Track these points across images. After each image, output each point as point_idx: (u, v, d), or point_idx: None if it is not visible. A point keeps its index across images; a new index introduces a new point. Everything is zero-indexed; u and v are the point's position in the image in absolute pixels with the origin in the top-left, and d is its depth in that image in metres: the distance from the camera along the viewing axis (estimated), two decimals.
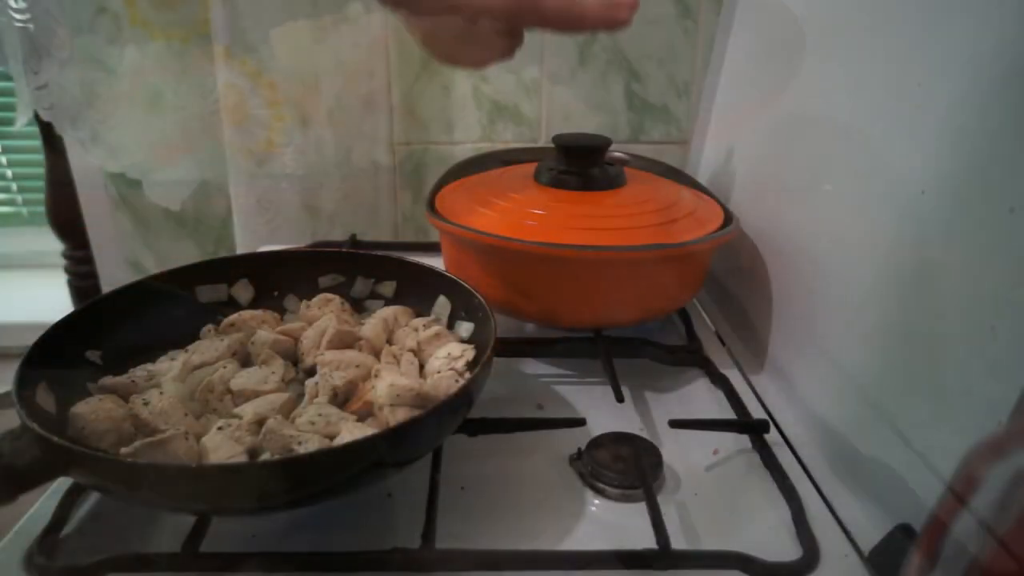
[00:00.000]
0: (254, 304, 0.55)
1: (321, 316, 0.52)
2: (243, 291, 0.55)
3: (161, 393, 0.43)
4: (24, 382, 0.39)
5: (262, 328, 0.50)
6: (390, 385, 0.41)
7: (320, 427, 0.40)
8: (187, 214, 0.98)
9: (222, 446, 0.38)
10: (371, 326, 0.51)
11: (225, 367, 0.46)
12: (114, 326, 0.48)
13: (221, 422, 0.40)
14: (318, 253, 0.59)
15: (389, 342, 0.51)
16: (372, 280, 0.56)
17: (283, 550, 0.37)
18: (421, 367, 0.48)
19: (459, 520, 0.41)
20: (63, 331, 0.44)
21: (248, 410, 0.42)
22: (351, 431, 0.39)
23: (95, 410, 0.39)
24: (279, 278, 0.56)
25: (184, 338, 0.50)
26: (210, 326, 0.52)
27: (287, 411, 0.43)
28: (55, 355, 0.43)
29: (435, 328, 0.50)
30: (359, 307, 0.56)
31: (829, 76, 0.51)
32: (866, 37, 0.47)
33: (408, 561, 0.36)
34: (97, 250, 1.01)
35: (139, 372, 0.46)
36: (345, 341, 0.49)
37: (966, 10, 0.37)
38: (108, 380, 0.44)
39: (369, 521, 0.41)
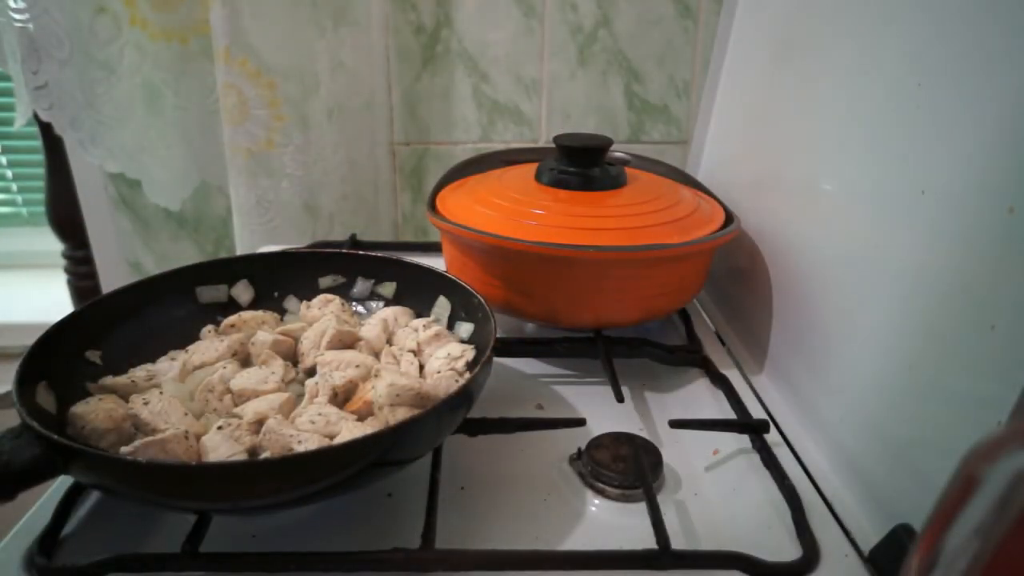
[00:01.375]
0: (254, 305, 0.55)
1: (321, 317, 0.52)
2: (243, 292, 0.55)
3: (161, 393, 0.43)
4: (24, 382, 0.39)
5: (262, 329, 0.51)
6: (390, 385, 0.41)
7: (320, 427, 0.40)
8: (187, 214, 0.98)
9: (222, 446, 0.38)
10: (371, 326, 0.51)
11: (225, 367, 0.46)
12: (114, 326, 0.48)
13: (221, 422, 0.40)
14: (318, 253, 0.58)
15: (389, 342, 0.51)
16: (372, 281, 0.56)
17: (283, 550, 0.37)
18: (421, 367, 0.48)
19: (459, 520, 0.41)
20: (63, 331, 0.44)
21: (248, 410, 0.42)
22: (351, 431, 0.39)
23: (95, 410, 0.39)
24: (279, 279, 0.56)
25: (184, 338, 0.50)
26: (210, 326, 0.52)
27: (287, 411, 0.43)
28: (55, 355, 0.43)
29: (435, 328, 0.50)
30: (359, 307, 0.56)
31: (829, 76, 0.51)
32: (867, 36, 0.47)
33: (408, 561, 0.36)
34: (97, 250, 1.01)
35: (139, 372, 0.46)
36: (345, 341, 0.49)
37: (969, 10, 0.37)
38: (108, 380, 0.44)
39: (369, 521, 0.41)
